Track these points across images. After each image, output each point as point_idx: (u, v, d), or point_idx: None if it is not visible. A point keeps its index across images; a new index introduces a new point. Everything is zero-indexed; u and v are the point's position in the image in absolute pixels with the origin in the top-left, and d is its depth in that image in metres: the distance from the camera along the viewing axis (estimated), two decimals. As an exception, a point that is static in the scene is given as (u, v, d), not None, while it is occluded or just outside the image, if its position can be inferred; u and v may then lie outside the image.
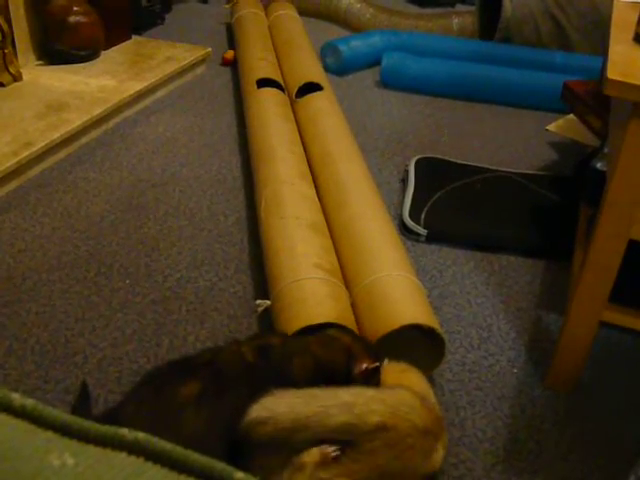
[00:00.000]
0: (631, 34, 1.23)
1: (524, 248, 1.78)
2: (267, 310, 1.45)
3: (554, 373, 1.36)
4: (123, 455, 0.39)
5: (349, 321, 1.33)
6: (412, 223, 1.81)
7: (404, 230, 1.83)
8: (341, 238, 1.58)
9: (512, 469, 1.20)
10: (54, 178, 2.02)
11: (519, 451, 1.23)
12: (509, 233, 1.81)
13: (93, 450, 0.40)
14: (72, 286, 1.62)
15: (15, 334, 1.47)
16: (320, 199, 1.75)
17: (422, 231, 1.79)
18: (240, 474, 0.36)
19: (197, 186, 2.02)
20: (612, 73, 1.07)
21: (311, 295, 1.36)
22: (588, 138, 2.05)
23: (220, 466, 0.36)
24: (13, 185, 1.95)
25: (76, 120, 2.14)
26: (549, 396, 1.36)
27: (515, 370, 1.42)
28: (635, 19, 1.23)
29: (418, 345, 1.37)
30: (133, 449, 0.39)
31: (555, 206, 1.93)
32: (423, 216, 1.83)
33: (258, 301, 1.48)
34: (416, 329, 1.30)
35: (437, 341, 1.33)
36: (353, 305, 1.41)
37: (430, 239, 1.80)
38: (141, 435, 0.39)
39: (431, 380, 1.38)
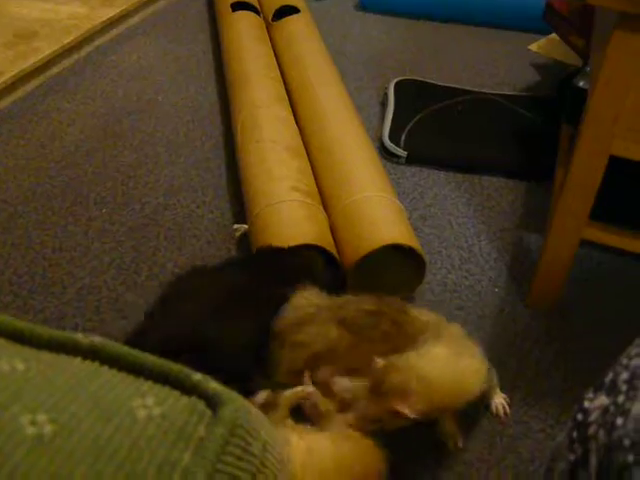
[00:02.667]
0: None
1: (506, 169, 1.76)
2: (245, 234, 1.44)
3: (535, 292, 1.36)
4: (77, 360, 0.37)
5: (327, 243, 1.32)
6: (392, 145, 1.78)
7: (384, 153, 1.80)
8: (319, 161, 1.56)
9: (492, 386, 1.20)
10: (26, 109, 1.96)
11: (500, 369, 1.23)
12: (491, 154, 1.79)
13: (46, 356, 0.38)
14: (48, 217, 1.59)
15: (-9, 266, 1.45)
16: (299, 124, 1.72)
17: (402, 153, 1.77)
18: (198, 376, 0.34)
19: (173, 113, 1.98)
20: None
21: (288, 217, 1.35)
22: (571, 58, 2.00)
23: (177, 368, 0.35)
24: (-17, 117, 1.90)
25: (46, 49, 2.08)
26: (530, 315, 1.36)
27: (496, 289, 1.42)
28: None
29: (399, 267, 1.36)
30: (88, 354, 0.37)
31: (537, 127, 1.91)
32: (403, 138, 1.80)
33: (235, 226, 1.46)
34: (396, 250, 1.29)
35: (418, 262, 1.32)
36: (332, 228, 1.40)
37: (410, 161, 1.77)
38: (97, 340, 0.38)
39: (411, 301, 1.38)
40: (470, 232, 1.57)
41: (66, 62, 2.17)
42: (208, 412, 0.37)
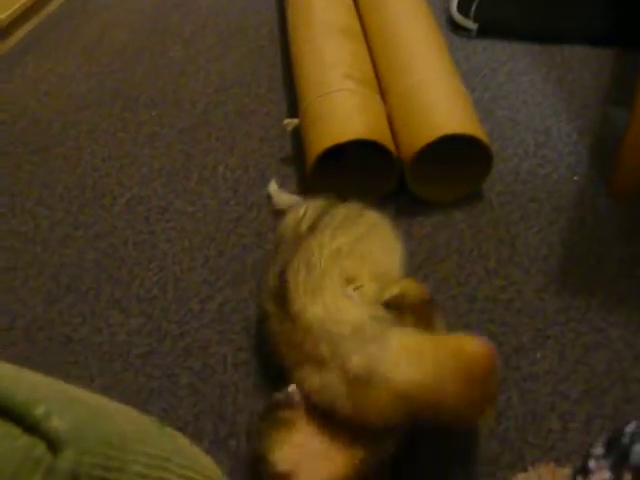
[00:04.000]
0: None
1: (590, 36, 1.55)
2: (297, 129, 1.33)
3: (619, 177, 1.20)
4: None
5: (383, 135, 1.20)
6: (460, 17, 1.60)
7: (452, 27, 1.62)
8: (376, 44, 1.41)
9: (566, 290, 1.08)
10: (74, 10, 1.88)
11: (576, 269, 1.11)
12: (573, 19, 1.58)
13: None
14: (98, 125, 1.53)
15: (44, 182, 1.41)
16: (355, 2, 1.56)
17: (472, 25, 1.58)
18: (40, 409, 0.27)
19: (225, 0, 1.85)
20: None
21: (338, 109, 1.22)
22: None
23: (21, 399, 0.27)
24: (33, 23, 1.84)
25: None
26: (614, 206, 1.20)
27: (576, 178, 1.26)
28: None
29: (462, 159, 1.22)
30: None
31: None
32: (473, 8, 1.61)
33: (286, 120, 1.35)
34: (458, 140, 1.15)
35: (484, 152, 1.18)
36: (389, 117, 1.26)
37: (482, 33, 1.59)
38: None
39: (479, 195, 1.24)
40: (548, 112, 1.40)
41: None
42: (47, 458, 0.29)
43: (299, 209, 1.06)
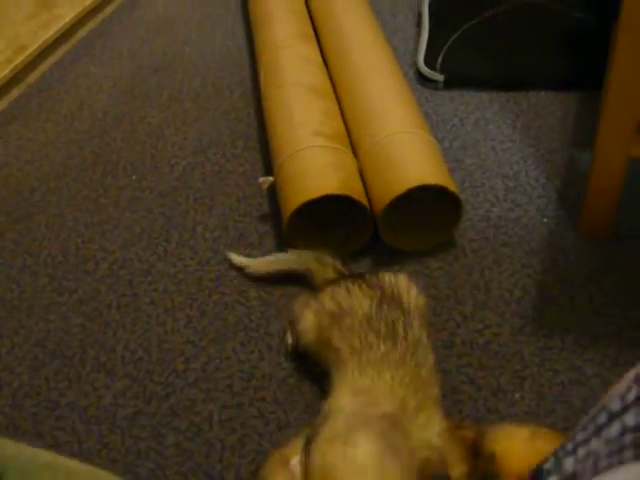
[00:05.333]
0: None
1: (555, 81, 1.60)
2: (273, 186, 1.36)
3: (586, 217, 1.23)
4: None
5: (355, 190, 1.23)
6: (427, 70, 1.65)
7: (421, 79, 1.67)
8: (346, 99, 1.46)
9: (541, 330, 1.10)
10: (54, 80, 1.93)
11: (550, 309, 1.14)
12: (537, 67, 1.63)
13: None
14: (80, 191, 1.56)
15: (27, 249, 1.43)
16: (325, 59, 1.61)
17: (439, 77, 1.63)
18: None
19: (201, 64, 1.90)
20: None
21: (311, 166, 1.26)
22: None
23: None
24: (14, 94, 1.87)
25: (69, 13, 2.02)
26: (583, 246, 1.24)
27: (545, 219, 1.30)
28: None
29: (433, 209, 1.26)
30: None
31: (588, 28, 1.72)
32: (440, 61, 1.66)
33: (261, 179, 1.38)
34: (428, 190, 1.19)
35: (453, 201, 1.21)
36: (361, 171, 1.30)
37: (449, 85, 1.64)
38: None
39: (452, 242, 1.28)
40: (516, 157, 1.44)
41: (91, 24, 2.11)
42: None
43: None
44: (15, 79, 1.86)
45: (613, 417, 0.55)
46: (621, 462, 0.50)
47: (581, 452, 0.56)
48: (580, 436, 0.58)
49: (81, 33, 2.08)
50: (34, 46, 1.90)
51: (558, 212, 1.31)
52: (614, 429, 0.53)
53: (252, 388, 1.11)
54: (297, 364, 1.12)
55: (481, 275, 1.21)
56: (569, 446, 0.59)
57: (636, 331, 1.09)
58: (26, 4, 2.08)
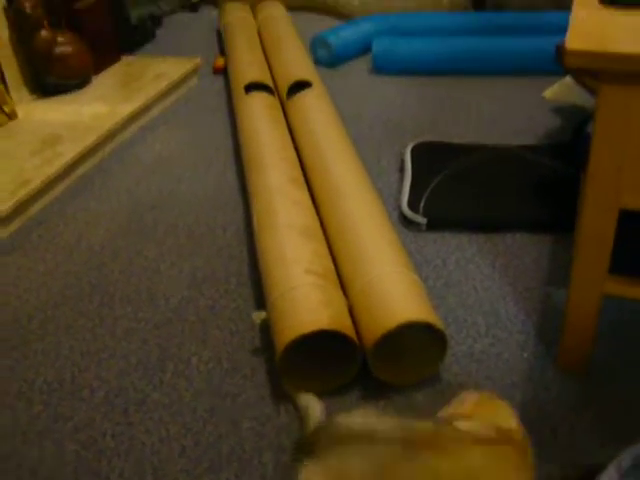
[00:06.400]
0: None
1: (529, 224, 1.73)
2: (266, 321, 1.43)
3: (564, 352, 1.31)
4: None
5: (344, 326, 1.30)
6: (411, 213, 1.77)
7: (405, 222, 1.79)
8: (336, 240, 1.55)
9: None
10: (54, 213, 2.02)
11: (533, 441, 1.19)
12: (512, 211, 1.76)
13: None
14: (76, 320, 1.61)
15: (23, 376, 1.47)
16: (315, 201, 1.72)
17: (422, 220, 1.75)
18: None
19: (195, 202, 2.01)
20: (572, 42, 1.01)
21: (302, 304, 1.34)
22: (586, 100, 1.97)
23: None
24: (15, 225, 1.96)
25: (70, 152, 2.14)
26: (563, 379, 1.31)
27: (525, 354, 1.37)
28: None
29: (420, 344, 1.33)
30: None
31: (558, 176, 1.87)
32: (422, 204, 1.79)
33: (254, 314, 1.46)
34: (414, 327, 1.27)
35: (438, 335, 1.29)
36: (352, 308, 1.38)
37: (431, 227, 1.75)
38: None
39: (438, 376, 1.34)
40: (496, 295, 1.53)
41: (91, 161, 2.23)
42: None
43: None
44: (17, 211, 1.95)
45: None
46: None
47: None
48: None
49: (81, 169, 2.19)
50: (37, 181, 2.00)
51: (537, 347, 1.38)
52: None
53: (246, 518, 1.13)
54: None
55: (466, 408, 1.27)
56: None
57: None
58: (31, 142, 2.21)
